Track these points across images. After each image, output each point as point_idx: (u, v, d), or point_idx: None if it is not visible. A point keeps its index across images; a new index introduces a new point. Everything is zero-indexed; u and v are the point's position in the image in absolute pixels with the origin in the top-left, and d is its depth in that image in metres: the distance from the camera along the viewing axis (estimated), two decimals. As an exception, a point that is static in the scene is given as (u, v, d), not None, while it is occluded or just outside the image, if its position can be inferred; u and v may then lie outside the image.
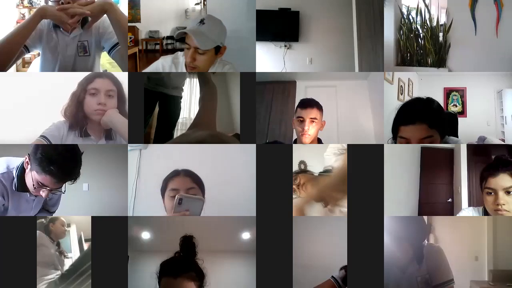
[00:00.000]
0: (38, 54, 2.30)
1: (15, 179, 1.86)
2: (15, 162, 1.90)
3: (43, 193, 1.81)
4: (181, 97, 2.66)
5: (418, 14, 3.08)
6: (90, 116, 2.08)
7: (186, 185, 1.88)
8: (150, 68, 2.22)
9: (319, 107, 2.23)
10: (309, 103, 2.22)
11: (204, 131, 1.75)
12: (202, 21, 2.04)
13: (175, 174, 1.93)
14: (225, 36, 2.11)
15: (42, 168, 1.74)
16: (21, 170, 1.86)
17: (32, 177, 1.79)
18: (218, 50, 2.07)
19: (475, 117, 2.91)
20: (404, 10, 3.09)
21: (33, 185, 1.80)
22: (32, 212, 2.01)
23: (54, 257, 2.14)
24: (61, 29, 2.21)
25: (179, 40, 2.09)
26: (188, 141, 1.66)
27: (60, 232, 2.20)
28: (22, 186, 1.86)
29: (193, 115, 2.98)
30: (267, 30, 3.27)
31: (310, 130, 2.19)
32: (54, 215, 2.15)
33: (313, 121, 2.19)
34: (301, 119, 2.20)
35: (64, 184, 1.84)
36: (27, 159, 1.82)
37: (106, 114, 2.06)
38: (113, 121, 2.06)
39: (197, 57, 2.03)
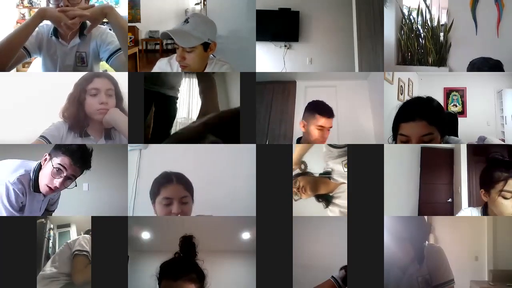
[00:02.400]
0: (39, 56, 2.32)
1: (32, 181, 1.95)
2: (31, 165, 1.98)
3: (57, 181, 1.90)
4: (177, 98, 2.65)
5: (419, 15, 3.08)
6: (93, 116, 2.08)
7: (180, 194, 1.87)
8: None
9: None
10: (330, 113, 2.23)
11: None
12: (186, 20, 2.05)
13: (168, 180, 1.90)
14: (215, 33, 2.11)
15: (63, 150, 1.92)
16: (37, 171, 1.96)
17: (52, 164, 1.91)
18: (207, 46, 2.07)
19: (475, 117, 2.91)
20: (405, 11, 3.09)
21: (52, 170, 1.90)
22: (40, 212, 2.06)
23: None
24: (60, 39, 2.23)
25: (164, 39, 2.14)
26: (195, 128, 1.68)
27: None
28: (37, 187, 1.96)
29: (192, 115, 2.98)
30: (267, 30, 3.27)
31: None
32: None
33: (328, 130, 2.24)
34: (322, 127, 2.22)
35: (76, 178, 1.96)
36: (46, 156, 1.94)
37: (108, 113, 2.08)
38: (115, 120, 2.07)
39: (186, 55, 2.03)
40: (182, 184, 1.90)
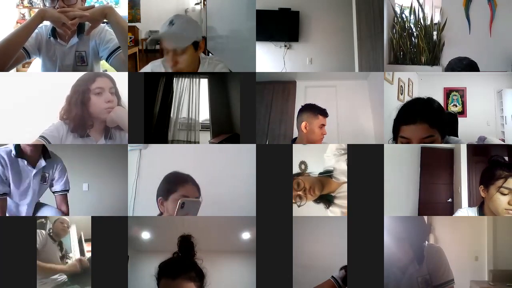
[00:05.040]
0: (39, 56, 2.32)
1: (13, 149, 2.05)
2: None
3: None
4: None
5: (412, 13, 3.08)
6: (99, 115, 2.08)
7: (194, 194, 1.87)
8: (141, 71, 2.22)
9: None
10: (326, 112, 2.38)
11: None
12: (171, 22, 2.01)
13: (184, 180, 1.90)
14: (200, 31, 2.09)
15: None
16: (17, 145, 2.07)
17: None
18: (197, 45, 2.04)
19: (475, 117, 2.91)
20: (397, 9, 3.09)
21: None
22: (32, 186, 2.10)
23: (57, 259, 2.17)
24: (58, 39, 2.24)
25: (152, 46, 2.10)
26: None
27: (59, 230, 2.19)
28: (20, 152, 2.07)
29: (192, 116, 2.98)
30: (267, 30, 3.27)
31: None
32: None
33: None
34: (322, 126, 2.35)
35: None
36: None
37: (114, 111, 2.08)
38: (122, 117, 2.07)
39: (178, 58, 2.00)
40: (195, 186, 1.91)
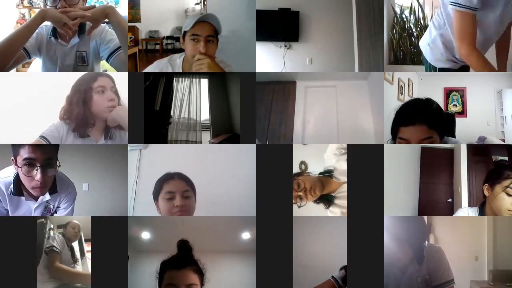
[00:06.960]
0: (39, 56, 2.31)
1: (12, 184, 1.93)
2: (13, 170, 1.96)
3: (37, 175, 1.84)
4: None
5: (412, 13, 3.08)
6: (101, 114, 2.08)
7: (182, 188, 1.92)
8: (147, 70, 2.23)
9: None
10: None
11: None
12: (203, 14, 2.12)
13: (170, 177, 1.96)
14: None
15: (19, 145, 1.86)
16: (17, 175, 1.92)
17: (19, 163, 1.86)
18: (217, 41, 2.13)
19: (475, 117, 2.91)
20: (397, 9, 3.09)
21: (23, 168, 1.84)
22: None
23: (69, 263, 2.18)
24: (59, 39, 2.23)
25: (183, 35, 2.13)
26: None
27: (71, 236, 2.19)
28: (17, 190, 1.93)
29: (193, 116, 2.98)
30: (267, 30, 3.27)
31: None
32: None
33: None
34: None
35: (53, 159, 1.91)
36: (13, 159, 1.90)
37: (115, 110, 2.08)
38: (123, 117, 2.07)
39: (210, 46, 2.08)
40: (184, 180, 1.96)
